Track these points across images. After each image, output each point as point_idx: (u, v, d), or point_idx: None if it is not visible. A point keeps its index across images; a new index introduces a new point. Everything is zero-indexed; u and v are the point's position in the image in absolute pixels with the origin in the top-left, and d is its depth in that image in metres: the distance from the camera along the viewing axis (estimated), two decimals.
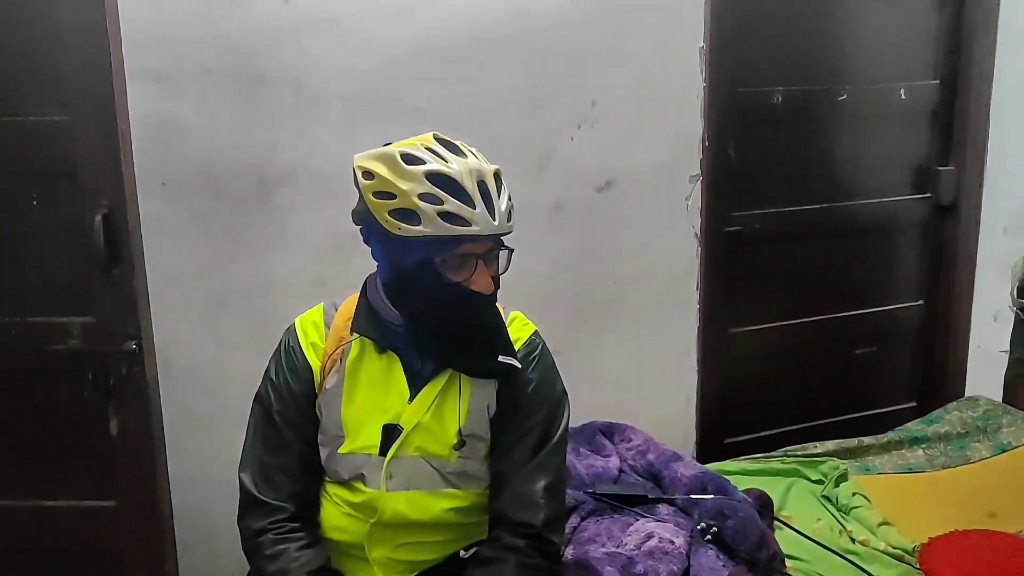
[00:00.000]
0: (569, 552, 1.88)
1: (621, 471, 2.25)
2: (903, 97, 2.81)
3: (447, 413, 1.50)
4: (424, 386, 1.50)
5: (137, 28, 2.00)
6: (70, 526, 2.10)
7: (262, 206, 2.21)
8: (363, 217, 1.44)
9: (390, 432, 1.49)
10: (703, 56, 2.47)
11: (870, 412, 3.00)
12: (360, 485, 1.51)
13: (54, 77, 1.87)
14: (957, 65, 2.85)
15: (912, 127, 2.90)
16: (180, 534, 2.17)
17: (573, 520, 1.99)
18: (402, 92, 2.23)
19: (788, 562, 2.00)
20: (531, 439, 1.51)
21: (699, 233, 2.59)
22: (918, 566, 2.05)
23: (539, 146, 2.39)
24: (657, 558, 1.80)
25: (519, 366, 1.50)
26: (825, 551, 2.07)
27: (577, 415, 2.34)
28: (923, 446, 2.65)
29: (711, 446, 2.74)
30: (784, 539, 2.07)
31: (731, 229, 2.66)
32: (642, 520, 1.96)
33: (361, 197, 1.43)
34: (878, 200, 2.87)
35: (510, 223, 1.42)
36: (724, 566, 1.85)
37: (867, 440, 2.65)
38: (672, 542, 1.84)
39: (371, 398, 1.50)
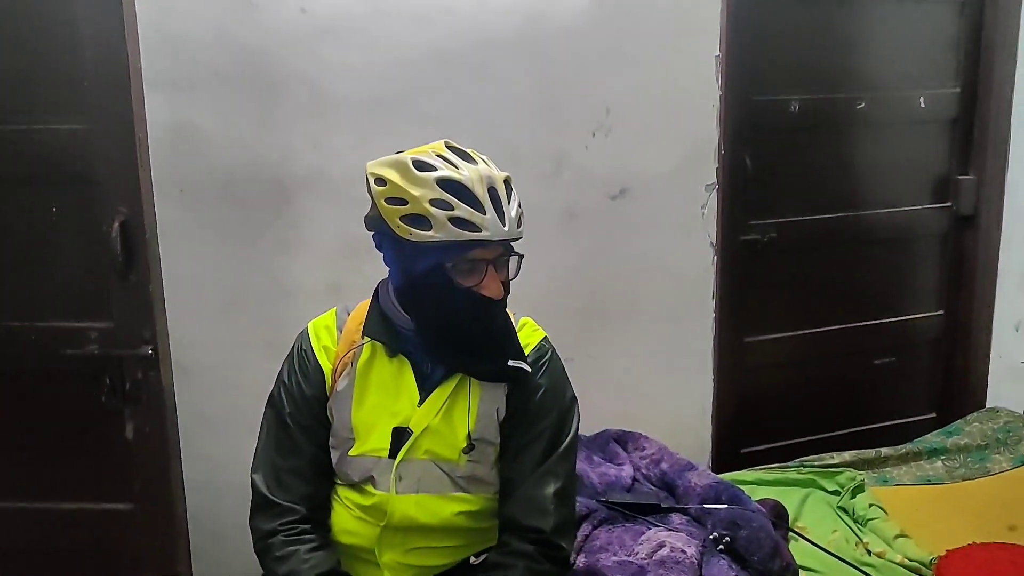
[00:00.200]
0: (581, 560, 1.87)
1: (635, 480, 2.24)
2: (923, 105, 2.79)
3: (456, 417, 1.50)
4: (434, 390, 1.51)
5: (155, 37, 2.03)
6: (86, 528, 2.12)
7: (278, 212, 2.23)
8: (375, 223, 1.45)
9: (400, 435, 1.50)
10: (719, 63, 2.47)
11: (889, 423, 2.97)
12: (370, 488, 1.52)
13: (73, 86, 1.90)
14: (977, 73, 2.83)
15: (932, 135, 2.87)
16: (194, 537, 2.18)
17: (585, 528, 1.98)
18: (417, 99, 2.24)
19: (803, 573, 1.98)
20: (540, 444, 1.51)
21: (715, 242, 2.58)
22: None
23: (553, 153, 2.39)
24: (668, 567, 1.79)
25: (529, 370, 1.50)
26: (841, 563, 2.05)
27: (591, 423, 2.36)
28: (942, 457, 2.62)
29: (727, 455, 2.73)
30: (799, 550, 2.05)
31: (747, 238, 2.65)
32: (654, 529, 1.95)
33: (373, 203, 1.44)
34: (897, 209, 2.85)
35: (520, 229, 1.43)
36: None
37: (885, 451, 2.63)
38: (684, 551, 1.83)
39: (381, 401, 1.51)
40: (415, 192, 1.37)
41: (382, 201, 1.41)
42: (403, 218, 1.38)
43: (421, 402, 1.50)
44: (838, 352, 2.87)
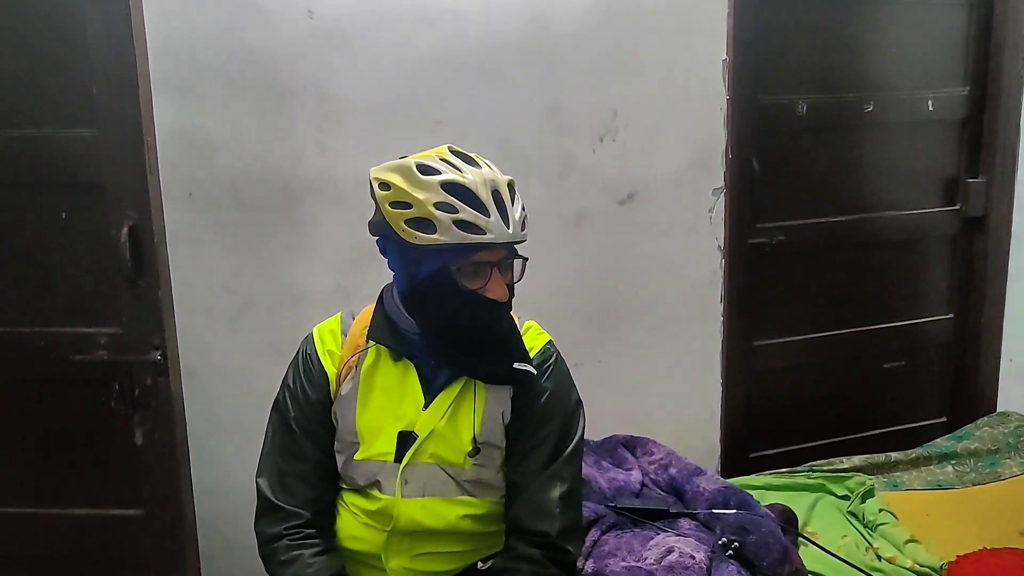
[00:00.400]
0: (589, 566, 1.87)
1: (643, 485, 2.24)
2: (931, 107, 2.78)
3: (462, 421, 1.51)
4: (439, 393, 1.51)
5: (163, 42, 2.04)
6: (95, 535, 2.12)
7: (286, 217, 2.23)
8: (380, 228, 1.46)
9: (405, 439, 1.50)
10: (726, 66, 2.46)
11: (898, 427, 2.96)
12: (376, 492, 1.52)
13: (81, 92, 1.90)
14: (986, 74, 2.82)
15: (940, 137, 2.87)
16: (203, 543, 2.18)
17: (594, 534, 1.98)
18: (424, 104, 2.25)
19: None
20: (546, 448, 1.51)
21: (723, 245, 2.58)
22: None
23: (560, 157, 2.39)
24: (677, 573, 1.78)
25: (534, 372, 1.51)
26: (851, 568, 2.04)
27: (599, 428, 2.36)
28: (953, 462, 2.61)
29: (735, 460, 2.72)
30: (809, 555, 2.04)
31: (755, 241, 2.65)
32: (663, 534, 1.95)
33: (378, 208, 1.45)
34: (906, 212, 2.84)
35: (524, 232, 1.44)
36: None
37: (895, 456, 2.62)
38: (693, 557, 1.82)
39: (386, 405, 1.51)
40: (419, 196, 1.38)
41: (386, 205, 1.42)
42: (407, 222, 1.39)
43: (426, 406, 1.50)
44: (847, 356, 2.87)
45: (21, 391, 2.07)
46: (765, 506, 2.10)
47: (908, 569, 2.08)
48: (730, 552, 1.89)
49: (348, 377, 1.53)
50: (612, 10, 2.34)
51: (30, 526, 2.12)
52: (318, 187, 2.23)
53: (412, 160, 1.42)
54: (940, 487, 2.51)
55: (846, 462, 2.57)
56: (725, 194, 2.54)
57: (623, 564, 1.84)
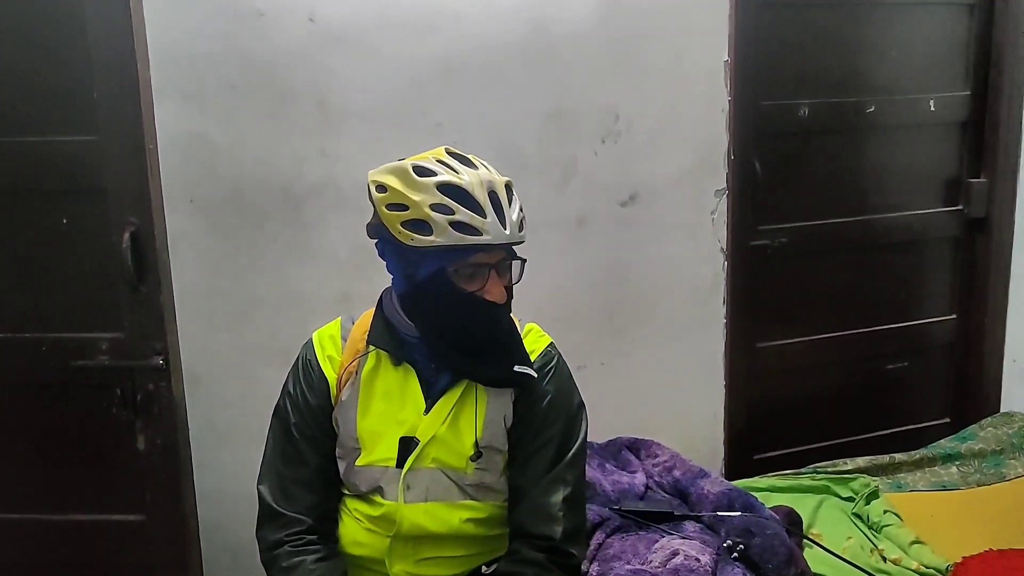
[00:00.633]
0: (594, 569, 1.86)
1: (647, 487, 2.23)
2: (932, 109, 2.78)
3: (463, 425, 1.50)
4: (440, 398, 1.51)
5: (164, 48, 2.03)
6: (97, 540, 2.12)
7: (288, 222, 2.23)
8: (377, 230, 1.46)
9: (407, 444, 1.50)
10: (728, 69, 2.46)
11: (902, 428, 2.95)
12: (378, 498, 1.52)
13: (83, 98, 1.90)
14: (987, 75, 2.81)
15: (942, 139, 2.86)
16: (206, 548, 2.18)
17: (598, 537, 1.97)
18: (426, 107, 2.25)
19: None
20: (548, 452, 1.51)
21: (725, 247, 2.57)
22: None
23: (562, 160, 2.39)
24: (682, 575, 1.77)
25: (535, 375, 1.50)
26: (856, 570, 2.03)
27: (603, 430, 2.36)
28: (957, 463, 2.60)
29: (739, 462, 2.71)
30: (814, 557, 2.03)
31: (757, 243, 2.64)
32: (668, 537, 1.94)
33: (375, 211, 1.45)
34: (908, 213, 2.83)
35: (522, 233, 1.43)
36: None
37: (899, 457, 2.61)
38: (698, 560, 1.82)
39: (387, 410, 1.51)
40: (416, 197, 1.37)
41: (383, 208, 1.42)
42: (404, 224, 1.39)
43: (427, 410, 1.50)
44: (850, 357, 2.86)
45: (23, 397, 2.07)
46: (769, 508, 2.09)
47: (914, 571, 2.07)
48: (735, 555, 1.88)
49: (348, 382, 1.53)
50: (613, 13, 2.33)
51: (32, 532, 2.12)
52: (320, 191, 2.23)
53: (408, 162, 1.42)
54: (945, 488, 2.50)
55: (850, 463, 2.56)
56: (727, 196, 2.54)
57: (628, 567, 1.83)
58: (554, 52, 2.31)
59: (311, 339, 1.58)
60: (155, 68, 1.97)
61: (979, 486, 2.51)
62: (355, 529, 1.55)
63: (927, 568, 2.06)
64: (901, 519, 2.25)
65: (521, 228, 1.43)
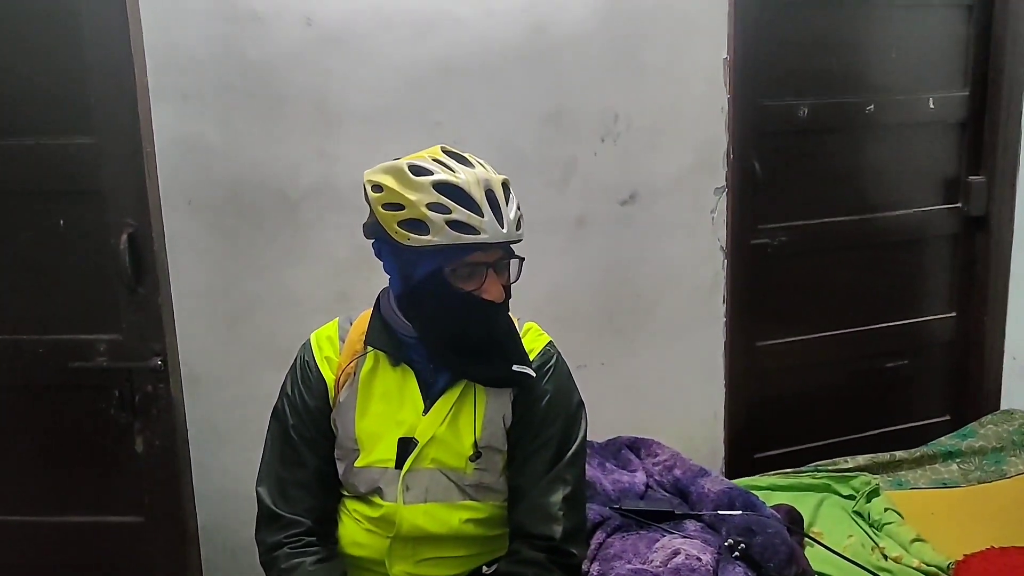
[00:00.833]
0: (595, 569, 1.86)
1: (648, 487, 2.23)
2: (932, 107, 2.78)
3: (462, 425, 1.50)
4: (439, 398, 1.50)
5: (162, 51, 2.03)
6: (96, 542, 2.12)
7: (285, 223, 2.23)
8: (374, 230, 1.45)
9: (405, 445, 1.49)
10: (727, 68, 2.46)
11: (902, 426, 2.95)
12: (377, 499, 1.51)
13: (80, 100, 1.90)
14: (986, 74, 2.81)
15: (942, 137, 2.86)
16: (205, 550, 2.18)
17: (599, 536, 1.97)
18: (423, 109, 2.24)
19: None
20: (548, 451, 1.50)
21: (725, 246, 2.57)
22: None
23: (562, 160, 2.39)
24: (683, 575, 1.77)
25: (534, 375, 1.50)
26: (857, 568, 2.02)
27: (603, 430, 2.35)
28: (957, 460, 2.60)
29: (740, 461, 2.71)
30: (815, 556, 2.03)
31: (757, 242, 2.64)
32: (668, 536, 1.93)
33: (371, 210, 1.45)
34: (908, 211, 2.83)
35: (519, 231, 1.43)
36: None
37: (899, 454, 2.61)
38: (699, 559, 1.81)
39: (385, 411, 1.51)
40: (412, 197, 1.37)
41: (379, 207, 1.41)
42: (401, 223, 1.38)
43: (426, 411, 1.50)
44: (850, 355, 2.86)
45: (21, 398, 2.07)
46: (770, 507, 2.09)
47: (915, 568, 2.07)
48: (736, 554, 1.88)
49: (346, 384, 1.52)
50: (612, 13, 2.33)
51: (30, 534, 2.12)
52: (317, 193, 2.22)
53: (404, 161, 1.41)
54: (945, 486, 2.50)
55: (851, 462, 2.56)
56: (727, 195, 2.54)
57: (629, 567, 1.83)
58: (553, 52, 2.31)
59: (309, 340, 1.58)
60: (153, 70, 1.97)
61: (980, 483, 2.51)
62: (355, 530, 1.54)
63: (928, 566, 2.06)
64: (902, 517, 2.25)
65: (519, 227, 1.42)
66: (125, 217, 1.95)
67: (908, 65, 2.73)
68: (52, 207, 1.97)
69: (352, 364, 1.52)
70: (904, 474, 2.56)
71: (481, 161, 1.45)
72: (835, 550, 2.07)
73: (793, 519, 2.12)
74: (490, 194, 1.39)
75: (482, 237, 1.37)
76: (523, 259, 1.47)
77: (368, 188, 1.44)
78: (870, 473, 2.50)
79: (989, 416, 2.79)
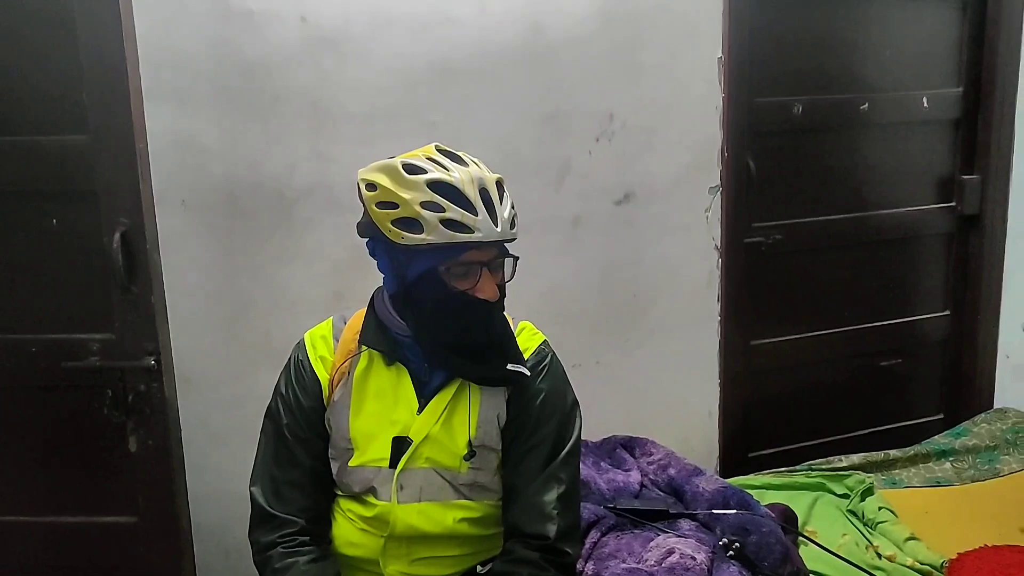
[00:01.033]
0: (589, 568, 1.86)
1: (642, 486, 2.23)
2: (926, 106, 2.78)
3: (457, 424, 1.49)
4: (433, 397, 1.50)
5: (155, 49, 2.03)
6: (89, 542, 2.11)
7: (280, 223, 2.22)
8: (368, 229, 1.45)
9: (400, 444, 1.48)
10: (721, 67, 2.46)
11: (896, 425, 2.96)
12: (371, 498, 1.51)
13: (73, 99, 1.89)
14: (980, 72, 2.82)
15: (935, 136, 2.87)
16: (199, 550, 2.17)
17: (593, 535, 1.97)
18: (419, 109, 2.24)
19: None
20: (543, 450, 1.50)
21: (719, 245, 2.57)
22: None
23: (557, 160, 2.38)
24: (678, 574, 1.77)
25: (528, 374, 1.49)
26: (851, 567, 2.03)
27: (598, 429, 2.35)
28: (951, 459, 2.61)
29: (734, 460, 2.71)
30: (809, 555, 2.04)
31: (752, 240, 2.64)
32: (663, 536, 1.94)
33: (365, 209, 1.44)
34: (902, 210, 2.84)
35: (513, 230, 1.42)
36: None
37: (893, 453, 2.62)
38: (693, 558, 1.82)
39: (380, 410, 1.50)
40: (406, 195, 1.36)
41: (373, 206, 1.40)
42: (395, 222, 1.38)
43: (420, 410, 1.49)
44: (844, 354, 2.87)
45: (13, 398, 2.06)
46: (765, 506, 2.09)
47: (909, 567, 2.07)
48: (731, 553, 1.88)
49: (341, 383, 1.51)
50: (608, 13, 2.33)
51: (23, 535, 2.11)
52: (312, 192, 2.22)
53: (398, 160, 1.41)
54: (939, 484, 2.51)
55: (845, 460, 2.57)
56: (721, 194, 2.54)
57: (624, 566, 1.83)
58: (548, 52, 2.31)
59: (303, 340, 1.57)
60: (146, 68, 1.96)
61: (973, 482, 2.52)
62: (349, 530, 1.54)
63: (922, 564, 2.07)
64: (896, 515, 2.26)
65: (513, 225, 1.42)
66: (118, 216, 1.94)
67: (902, 64, 2.74)
68: (45, 206, 1.97)
69: (346, 363, 1.52)
70: (898, 473, 2.56)
71: (475, 160, 1.45)
72: (829, 549, 2.08)
73: (787, 518, 2.12)
74: (484, 193, 1.39)
75: (476, 236, 1.36)
76: (517, 258, 1.47)
77: (362, 187, 1.43)
78: (864, 472, 2.50)
79: (982, 415, 2.80)
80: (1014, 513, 2.31)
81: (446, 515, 1.50)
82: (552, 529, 1.46)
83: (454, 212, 1.36)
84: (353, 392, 1.50)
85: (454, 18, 2.21)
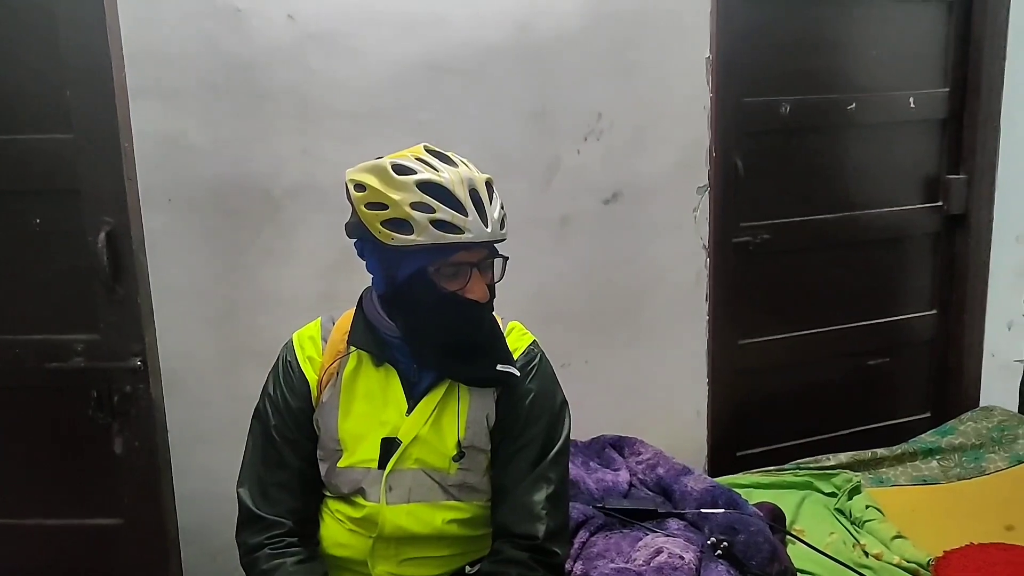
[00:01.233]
0: (578, 568, 1.86)
1: (631, 485, 2.23)
2: (912, 106, 2.80)
3: (446, 425, 1.49)
4: (422, 398, 1.49)
5: (140, 46, 2.01)
6: (74, 545, 2.09)
7: (267, 222, 2.21)
8: (357, 230, 1.44)
9: (389, 445, 1.48)
10: (709, 67, 2.46)
11: (883, 423, 2.97)
12: (360, 499, 1.50)
13: (57, 96, 1.87)
14: (966, 73, 2.83)
15: (922, 136, 2.88)
16: (186, 552, 2.15)
17: (582, 535, 1.97)
18: (407, 107, 2.23)
19: None
20: (531, 450, 1.50)
21: (707, 244, 2.58)
22: None
23: (545, 159, 2.38)
24: (666, 574, 1.77)
25: (518, 374, 1.49)
26: (838, 565, 2.04)
27: (586, 428, 2.35)
28: (937, 457, 2.62)
29: (722, 459, 2.72)
30: (797, 553, 2.04)
31: (739, 240, 2.65)
32: (651, 535, 1.94)
33: (354, 210, 1.43)
34: (888, 210, 2.85)
35: (503, 231, 1.42)
36: None
37: (880, 452, 2.63)
38: (682, 557, 1.82)
39: (368, 411, 1.50)
40: (395, 196, 1.36)
41: (362, 207, 1.40)
42: (384, 223, 1.37)
43: (409, 411, 1.49)
44: (832, 353, 2.87)
45: None
46: (753, 505, 2.10)
47: (895, 565, 2.08)
48: (719, 552, 1.89)
49: (329, 384, 1.51)
50: (596, 13, 2.33)
51: (7, 537, 2.09)
52: (300, 192, 2.21)
53: (387, 160, 1.40)
54: (925, 483, 2.52)
55: (832, 459, 2.57)
56: (709, 193, 2.54)
57: (612, 566, 1.83)
58: (537, 51, 2.30)
59: (291, 340, 1.56)
60: (131, 66, 1.94)
61: (959, 480, 2.53)
62: (337, 530, 1.53)
63: (909, 562, 2.08)
64: (883, 514, 2.27)
65: (503, 226, 1.42)
66: (103, 215, 1.92)
67: (889, 64, 2.75)
68: (29, 205, 1.94)
69: (335, 364, 1.51)
70: (885, 471, 2.58)
71: (464, 160, 1.45)
72: (817, 548, 2.08)
73: (775, 517, 2.13)
74: (474, 193, 1.39)
75: (466, 236, 1.36)
76: (507, 258, 1.47)
77: (350, 187, 1.42)
78: (851, 470, 2.51)
79: (969, 413, 2.82)
80: (1000, 511, 2.32)
81: (435, 516, 1.50)
82: (541, 529, 1.46)
83: (444, 213, 1.35)
84: (342, 393, 1.50)
85: (443, 17, 2.21)
